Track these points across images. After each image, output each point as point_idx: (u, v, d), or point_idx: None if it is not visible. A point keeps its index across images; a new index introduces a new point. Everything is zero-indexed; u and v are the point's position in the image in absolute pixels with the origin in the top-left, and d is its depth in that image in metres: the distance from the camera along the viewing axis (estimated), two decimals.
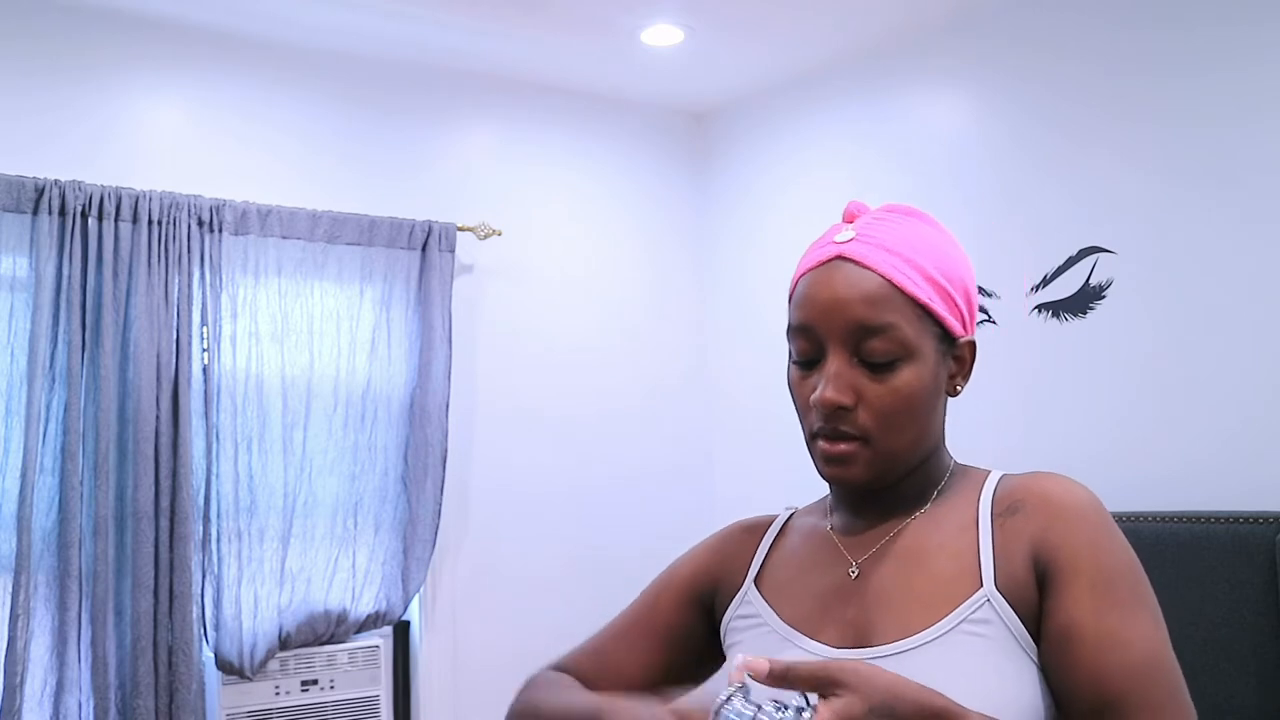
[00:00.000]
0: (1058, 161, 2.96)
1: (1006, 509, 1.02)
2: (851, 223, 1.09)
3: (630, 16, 3.18)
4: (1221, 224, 2.63)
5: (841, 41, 3.39)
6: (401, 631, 3.38)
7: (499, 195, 3.62)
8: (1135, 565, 0.99)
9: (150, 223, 2.92)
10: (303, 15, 3.11)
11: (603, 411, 3.73)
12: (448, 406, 3.32)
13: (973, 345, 1.07)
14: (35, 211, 2.79)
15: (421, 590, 3.34)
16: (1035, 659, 0.96)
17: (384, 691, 3.20)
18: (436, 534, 3.29)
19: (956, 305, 1.05)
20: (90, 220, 2.85)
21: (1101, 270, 2.84)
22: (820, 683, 0.82)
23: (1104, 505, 1.01)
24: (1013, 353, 3.02)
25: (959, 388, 1.07)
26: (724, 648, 1.14)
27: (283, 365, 3.11)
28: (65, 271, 2.80)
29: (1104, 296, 2.84)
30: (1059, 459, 2.86)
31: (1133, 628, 0.94)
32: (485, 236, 3.50)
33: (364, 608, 3.20)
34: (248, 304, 3.07)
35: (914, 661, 0.96)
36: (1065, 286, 2.91)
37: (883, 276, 1.01)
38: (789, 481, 3.38)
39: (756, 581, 1.12)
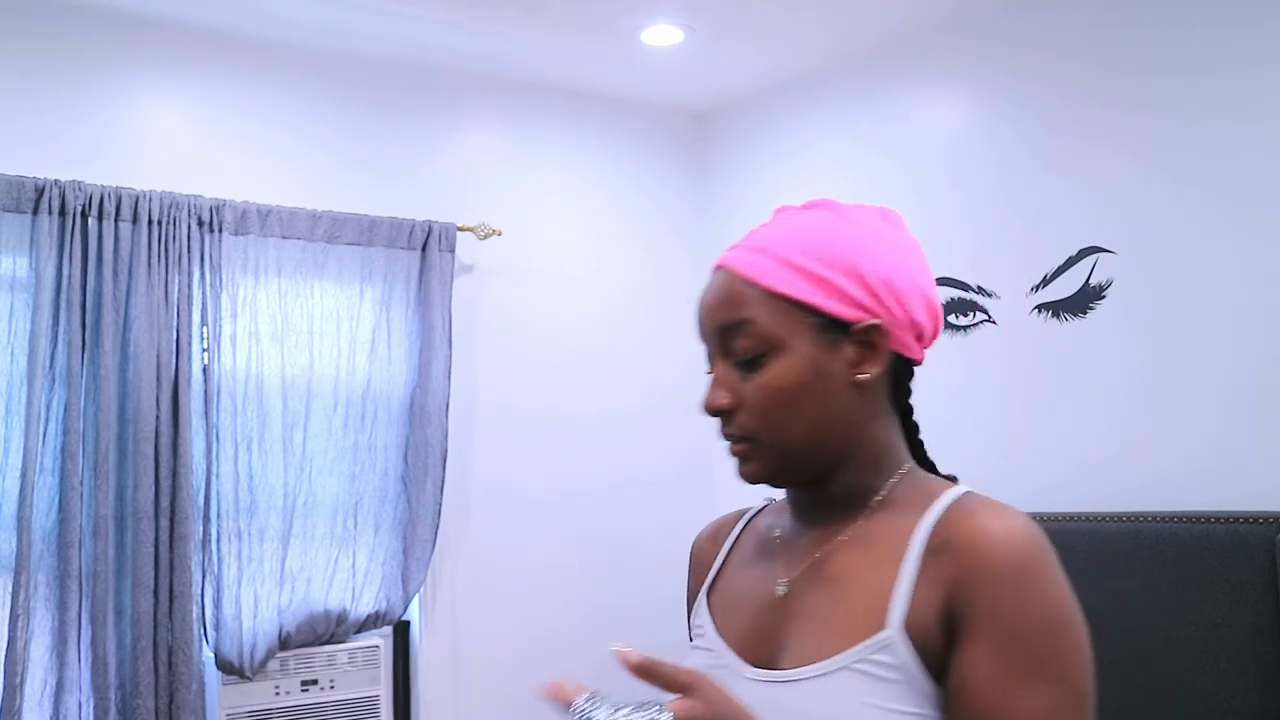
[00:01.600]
0: (1058, 161, 2.96)
1: (937, 545, 0.95)
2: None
3: (630, 16, 3.18)
4: (1222, 224, 2.63)
5: (841, 41, 3.39)
6: (401, 631, 3.38)
7: (499, 195, 3.62)
8: (1059, 629, 0.91)
9: (150, 223, 2.92)
10: (303, 15, 3.11)
11: (602, 411, 3.73)
12: (448, 406, 3.32)
13: (881, 329, 1.01)
14: (35, 211, 2.79)
15: (421, 590, 3.34)
16: (936, 710, 0.91)
17: (384, 691, 3.20)
18: (436, 534, 3.29)
19: (844, 292, 1.00)
20: (90, 220, 2.85)
21: (1101, 270, 2.84)
22: (676, 685, 0.86)
23: (1045, 553, 0.94)
24: (1013, 353, 3.02)
25: (865, 374, 1.02)
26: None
27: (283, 365, 3.11)
28: (65, 271, 2.80)
29: (1104, 296, 2.84)
30: (1059, 459, 2.87)
31: (1029, 703, 0.88)
32: (485, 236, 3.50)
33: (364, 608, 3.20)
34: (248, 304, 3.07)
35: (799, 691, 0.95)
36: (1065, 286, 2.91)
37: (743, 276, 1.02)
38: None
39: (710, 590, 1.14)
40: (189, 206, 2.98)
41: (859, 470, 1.04)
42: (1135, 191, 2.79)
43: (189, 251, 2.97)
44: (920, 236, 1.12)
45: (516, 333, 3.63)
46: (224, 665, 2.96)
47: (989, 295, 3.09)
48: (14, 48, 2.92)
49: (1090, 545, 2.60)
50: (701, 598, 1.14)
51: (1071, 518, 2.67)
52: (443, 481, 3.30)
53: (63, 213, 2.81)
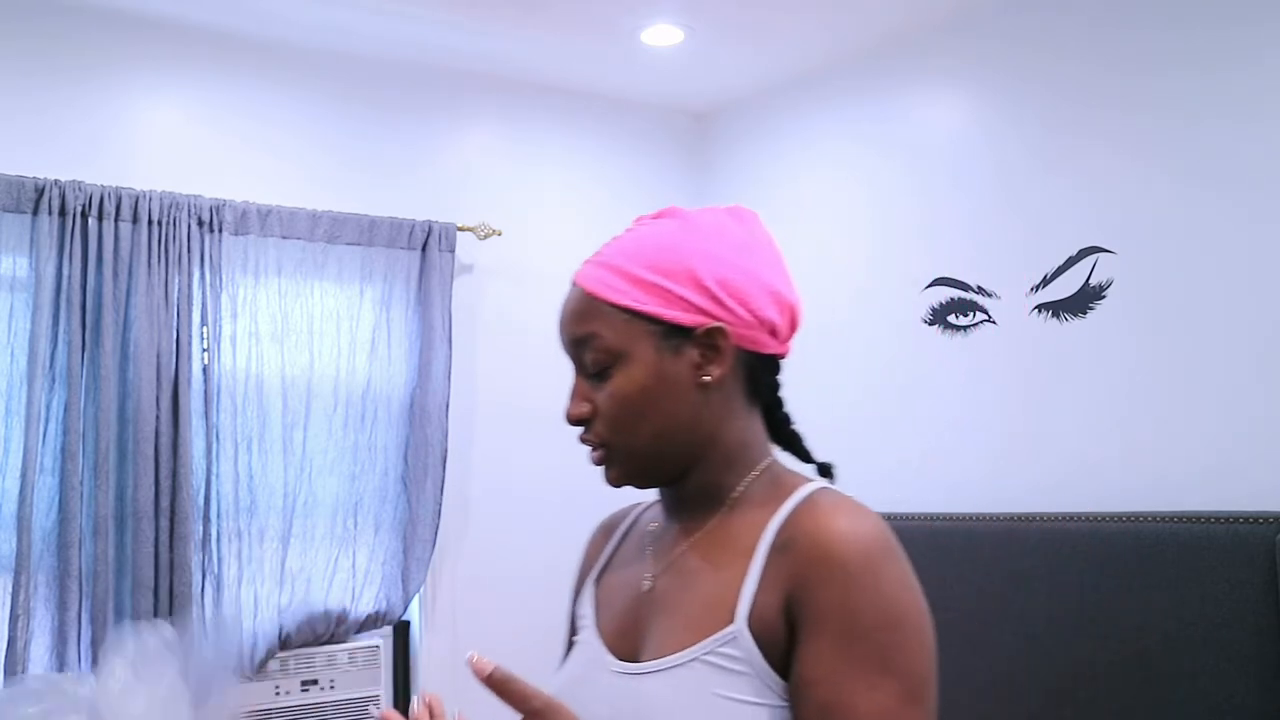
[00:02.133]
0: (1058, 161, 2.96)
1: (783, 542, 0.99)
2: None
3: (630, 16, 3.18)
4: (1222, 223, 2.63)
5: (841, 41, 3.39)
6: (401, 631, 3.38)
7: (499, 195, 3.61)
8: (898, 624, 0.94)
9: (150, 223, 2.92)
10: (303, 15, 3.11)
11: None
12: (448, 406, 3.32)
13: (722, 331, 1.05)
14: (35, 211, 2.79)
15: (421, 590, 3.34)
16: (784, 702, 0.94)
17: (384, 691, 3.20)
18: (436, 534, 3.29)
19: (682, 298, 1.04)
20: (90, 220, 2.85)
21: (1101, 270, 2.84)
22: (526, 709, 0.91)
23: (886, 550, 0.96)
24: (1013, 353, 3.02)
25: (709, 376, 1.05)
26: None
27: (283, 365, 3.11)
28: (65, 271, 2.80)
29: (1104, 296, 2.84)
30: (1059, 459, 2.87)
31: (866, 696, 0.90)
32: (485, 236, 3.50)
33: (364, 608, 3.20)
34: (248, 304, 3.07)
35: (653, 683, 0.99)
36: (1065, 286, 2.91)
37: (587, 291, 1.08)
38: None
39: (597, 581, 1.19)
40: (189, 206, 2.98)
41: (713, 469, 1.08)
42: (1135, 191, 2.79)
43: (189, 251, 2.97)
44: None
45: (516, 333, 3.63)
46: None
47: (989, 295, 3.09)
48: (14, 48, 2.92)
49: (1090, 545, 2.60)
50: (589, 586, 1.18)
51: (1071, 518, 2.67)
52: (443, 481, 3.30)
53: (63, 213, 2.81)
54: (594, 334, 1.06)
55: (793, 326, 1.12)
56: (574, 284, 1.11)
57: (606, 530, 1.25)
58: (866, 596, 0.93)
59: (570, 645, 1.18)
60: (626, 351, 1.05)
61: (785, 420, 1.16)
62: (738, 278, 1.06)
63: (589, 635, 1.12)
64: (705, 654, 0.97)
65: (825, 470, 1.16)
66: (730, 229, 1.10)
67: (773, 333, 1.09)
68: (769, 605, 0.96)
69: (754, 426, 1.12)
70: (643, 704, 1.00)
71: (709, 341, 1.05)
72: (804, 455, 1.17)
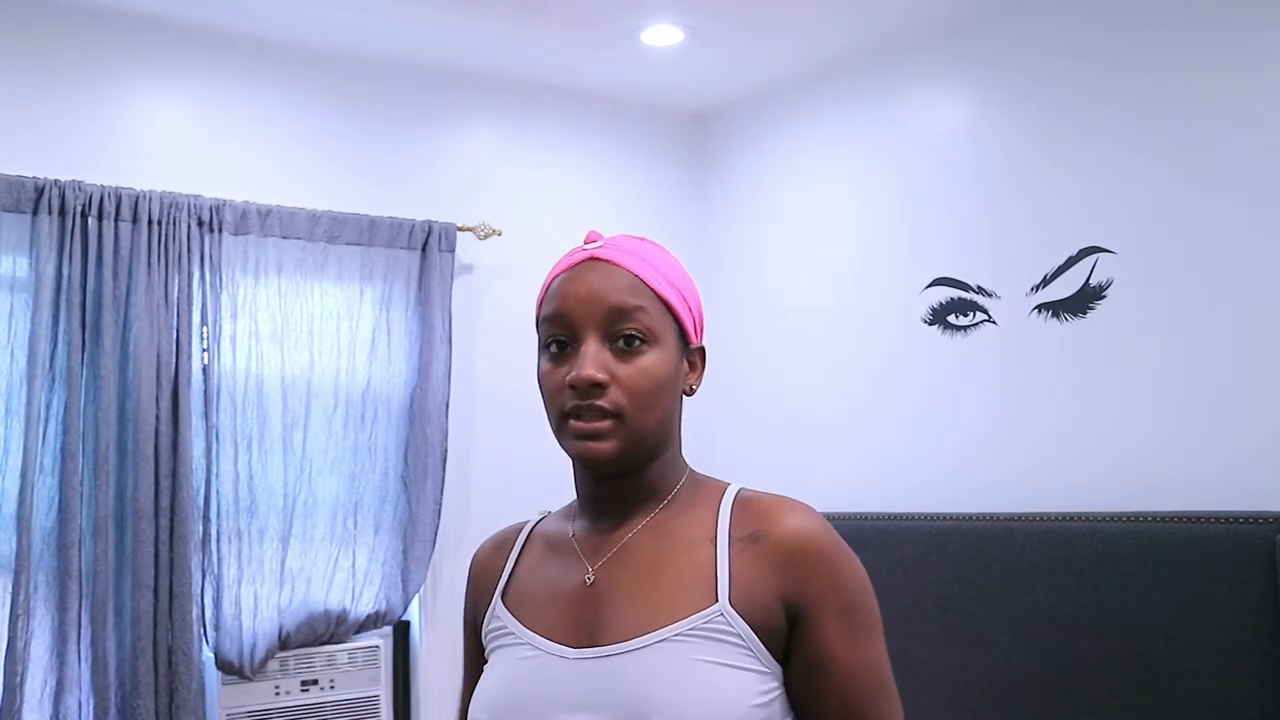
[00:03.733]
0: (1058, 161, 2.96)
1: (748, 536, 1.10)
2: (587, 243, 1.22)
3: (630, 16, 3.19)
4: (1221, 224, 2.63)
5: (842, 42, 3.39)
6: (401, 631, 3.38)
7: (499, 195, 3.62)
8: (866, 586, 1.11)
9: (150, 223, 2.92)
10: (303, 15, 3.11)
11: None
12: (448, 406, 3.33)
13: (703, 353, 1.20)
14: (35, 211, 2.79)
15: (421, 590, 3.34)
16: (769, 671, 1.06)
17: (384, 691, 3.20)
18: (436, 534, 3.29)
19: (691, 312, 1.18)
20: (90, 220, 2.85)
21: (1101, 270, 2.84)
22: None
23: (834, 531, 1.11)
24: (1012, 353, 3.03)
25: (693, 388, 1.18)
26: (485, 657, 1.21)
27: (283, 365, 3.11)
28: (65, 271, 2.80)
29: (1104, 296, 2.84)
30: (1058, 459, 2.87)
31: (872, 650, 1.09)
32: (485, 236, 3.50)
33: (364, 608, 3.20)
34: (248, 304, 3.07)
35: (639, 660, 1.06)
36: (1065, 286, 2.91)
37: (631, 272, 1.14)
38: (790, 480, 3.38)
39: (504, 595, 1.21)
40: (189, 206, 2.98)
41: (663, 467, 1.17)
42: (1135, 192, 2.79)
43: (189, 251, 2.97)
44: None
45: (517, 333, 3.62)
46: (224, 665, 2.96)
47: (989, 295, 3.09)
48: (14, 48, 2.92)
49: (1090, 545, 2.60)
50: (496, 602, 1.21)
51: (1071, 517, 2.68)
52: (443, 481, 3.30)
53: (63, 213, 2.81)
54: (644, 309, 1.12)
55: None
56: (602, 260, 1.15)
57: (496, 550, 1.27)
58: (845, 572, 1.09)
59: (481, 664, 1.21)
60: (661, 337, 1.13)
61: None
62: (702, 315, 1.22)
63: (519, 638, 1.15)
64: (690, 629, 1.05)
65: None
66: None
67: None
68: (754, 590, 1.07)
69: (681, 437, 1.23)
70: (622, 679, 1.05)
71: (694, 358, 1.19)
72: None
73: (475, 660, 1.25)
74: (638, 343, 1.11)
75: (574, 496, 1.23)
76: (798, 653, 1.07)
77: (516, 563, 1.23)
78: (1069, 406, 2.89)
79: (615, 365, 1.10)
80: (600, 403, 1.09)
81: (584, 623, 1.11)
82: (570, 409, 1.11)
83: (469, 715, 1.17)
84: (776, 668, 1.07)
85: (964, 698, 2.73)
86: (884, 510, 3.11)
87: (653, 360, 1.11)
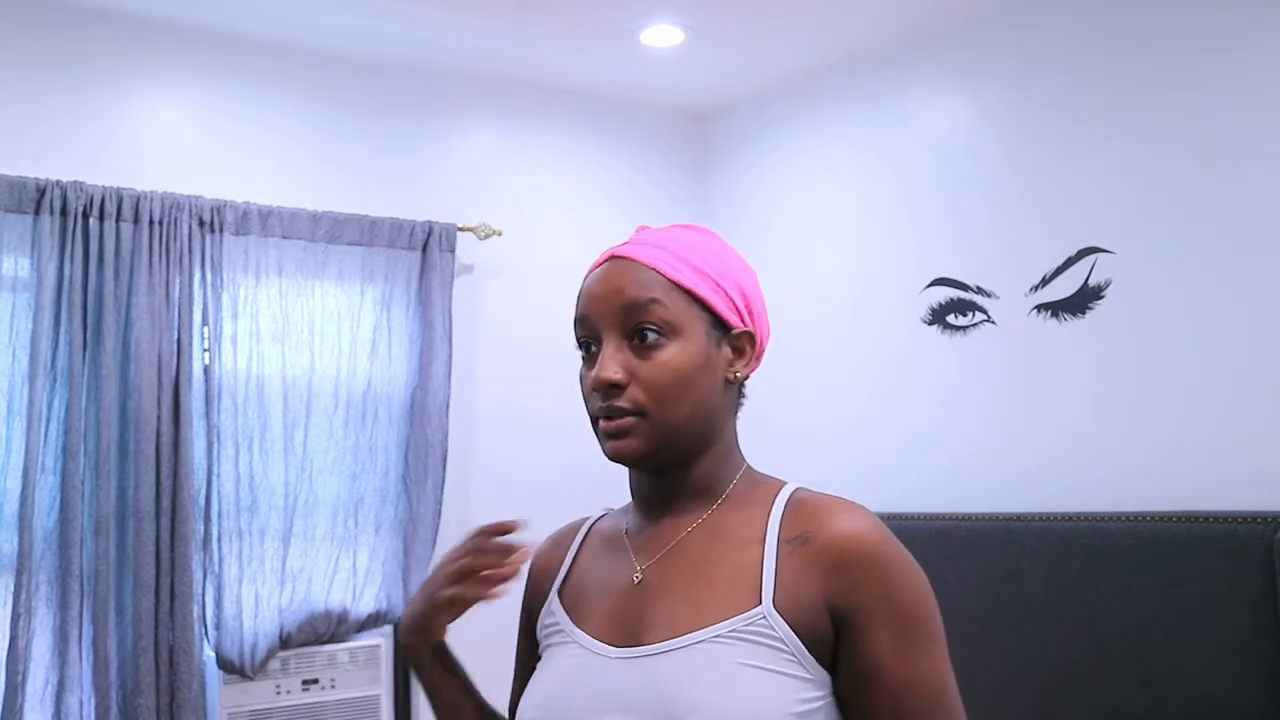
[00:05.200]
0: (1057, 161, 2.96)
1: (796, 537, 1.06)
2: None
3: (630, 16, 3.19)
4: (1221, 223, 2.63)
5: (842, 42, 3.40)
6: None
7: (499, 195, 3.62)
8: (923, 595, 1.06)
9: (151, 223, 2.92)
10: (303, 15, 3.12)
11: None
12: (448, 406, 3.33)
13: (752, 338, 1.15)
14: (37, 212, 2.80)
15: None
16: (813, 679, 1.02)
17: (384, 691, 3.21)
18: (436, 534, 3.29)
19: (729, 297, 1.13)
20: (91, 220, 2.85)
21: (1101, 270, 2.85)
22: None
23: (890, 535, 1.06)
24: (1012, 353, 3.03)
25: (736, 375, 1.14)
26: (539, 654, 1.20)
27: (283, 365, 3.12)
28: (67, 272, 2.81)
29: (1103, 296, 2.84)
30: (1058, 459, 2.88)
31: (926, 663, 1.03)
32: (485, 236, 3.50)
33: (364, 607, 3.20)
34: (249, 304, 3.07)
35: (676, 660, 1.03)
36: (1065, 286, 2.92)
37: (648, 265, 1.11)
38: (790, 480, 3.38)
39: (560, 591, 1.20)
40: (190, 207, 2.98)
41: (713, 462, 1.14)
42: (1135, 191, 2.79)
43: (190, 252, 2.98)
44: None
45: (517, 333, 3.63)
46: (225, 664, 2.97)
47: (988, 295, 3.09)
48: (16, 48, 2.92)
49: (1090, 545, 2.60)
50: (552, 597, 1.20)
51: (1071, 517, 2.68)
52: (443, 481, 3.30)
53: (64, 213, 2.82)
54: (658, 302, 1.09)
55: (760, 359, 1.20)
56: (622, 257, 1.13)
57: (557, 545, 1.26)
58: (899, 580, 1.04)
59: (535, 659, 1.20)
60: (683, 328, 1.10)
61: None
62: (756, 299, 1.17)
63: (569, 636, 1.14)
64: (730, 631, 1.02)
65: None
66: (741, 256, 1.19)
67: (759, 356, 1.18)
68: (801, 594, 1.03)
69: (737, 432, 1.20)
70: (661, 680, 1.02)
71: (740, 343, 1.15)
72: None
73: (527, 657, 1.24)
74: (654, 337, 1.09)
75: (575, 498, 1.26)
76: (845, 662, 1.03)
77: (575, 559, 1.22)
78: (1068, 406, 2.90)
79: (635, 362, 1.09)
80: (620, 403, 1.08)
81: (629, 622, 1.09)
82: (599, 410, 1.10)
83: (518, 714, 1.16)
84: (823, 675, 1.03)
85: (964, 698, 2.74)
86: (883, 510, 3.11)
87: (673, 353, 1.09)
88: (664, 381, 1.08)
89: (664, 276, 1.11)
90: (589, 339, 1.13)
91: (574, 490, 3.71)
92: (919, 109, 3.35)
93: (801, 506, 1.10)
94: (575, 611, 1.15)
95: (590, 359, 1.13)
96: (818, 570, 1.04)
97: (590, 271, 1.17)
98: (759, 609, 1.03)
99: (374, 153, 3.42)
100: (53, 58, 2.96)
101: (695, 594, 1.07)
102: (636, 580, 1.12)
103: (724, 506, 1.13)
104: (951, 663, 1.06)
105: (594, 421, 1.12)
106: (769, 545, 1.07)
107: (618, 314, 1.10)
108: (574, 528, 1.27)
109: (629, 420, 1.08)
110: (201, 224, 3.01)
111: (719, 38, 3.36)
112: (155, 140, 3.10)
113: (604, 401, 1.09)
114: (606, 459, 1.13)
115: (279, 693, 3.04)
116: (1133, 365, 2.77)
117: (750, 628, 1.02)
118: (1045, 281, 2.96)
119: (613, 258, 1.14)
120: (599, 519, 1.27)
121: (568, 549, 1.24)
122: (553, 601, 1.19)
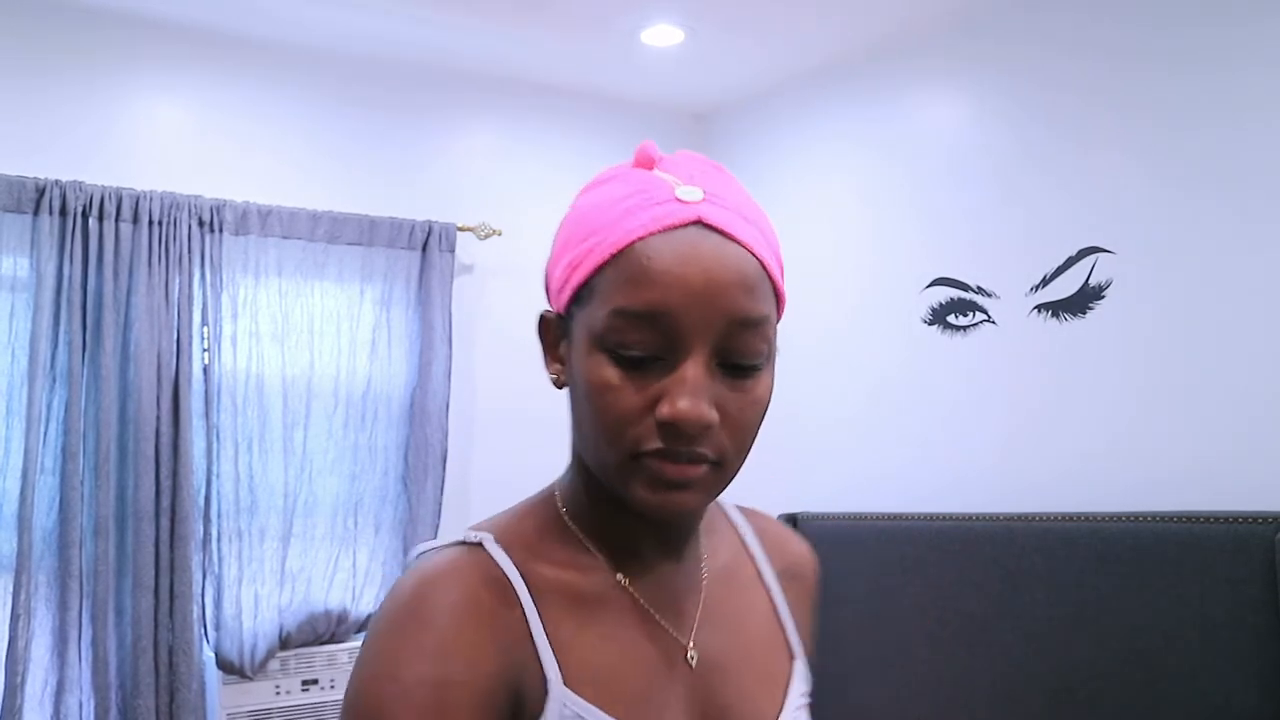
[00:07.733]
0: (1058, 161, 2.96)
1: (786, 570, 0.96)
2: (653, 168, 0.84)
3: (630, 16, 3.19)
4: (1221, 223, 2.63)
5: (842, 41, 3.39)
6: None
7: (499, 195, 3.62)
8: None
9: (151, 223, 2.92)
10: (303, 15, 3.11)
11: None
12: (448, 406, 3.33)
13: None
14: (36, 212, 2.80)
15: None
16: None
17: None
18: (437, 534, 3.29)
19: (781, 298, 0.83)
20: (91, 220, 2.85)
21: (1101, 270, 2.85)
22: None
23: None
24: (1012, 353, 3.02)
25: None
26: None
27: (283, 365, 3.11)
28: (66, 272, 2.81)
29: (1103, 296, 2.84)
30: (1058, 459, 2.88)
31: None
32: (485, 236, 3.50)
33: (364, 607, 3.20)
34: (248, 304, 3.07)
35: None
36: (1065, 286, 2.91)
37: (756, 256, 0.77)
38: (788, 479, 3.38)
39: (563, 676, 0.79)
40: (189, 207, 2.98)
41: None
42: (1135, 192, 2.79)
43: (189, 252, 2.98)
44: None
45: (517, 333, 3.63)
46: (224, 665, 2.96)
47: (989, 295, 3.09)
48: (15, 48, 2.92)
49: (1090, 545, 2.60)
50: (555, 684, 0.78)
51: (1071, 518, 2.68)
52: (443, 481, 3.30)
53: (63, 213, 2.82)
54: (769, 319, 0.78)
55: None
56: (722, 233, 0.76)
57: (501, 599, 0.80)
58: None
59: None
60: (774, 351, 0.80)
61: None
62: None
63: None
64: (799, 707, 0.89)
65: None
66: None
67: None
68: (803, 635, 0.95)
69: None
70: None
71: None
72: None
73: None
74: (758, 370, 0.78)
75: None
76: None
77: (544, 624, 0.80)
78: (1069, 406, 2.89)
79: (724, 394, 0.77)
80: (703, 449, 0.76)
81: (710, 716, 0.85)
82: (657, 449, 0.76)
83: None
84: None
85: (964, 698, 2.74)
86: (883, 510, 3.11)
87: (766, 385, 0.79)
88: (752, 424, 0.79)
89: (770, 277, 0.79)
90: (655, 342, 0.76)
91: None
92: (919, 109, 3.35)
93: (765, 530, 0.98)
94: (615, 707, 0.79)
95: (640, 369, 0.76)
96: (809, 607, 0.98)
97: (649, 230, 0.76)
98: (798, 666, 0.91)
99: (373, 152, 3.42)
100: (52, 57, 2.96)
101: (752, 669, 0.88)
102: (691, 660, 0.85)
103: (708, 542, 0.92)
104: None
105: (632, 457, 0.77)
106: (770, 584, 0.93)
107: (722, 327, 0.75)
108: (487, 572, 0.81)
109: (701, 469, 0.77)
110: (201, 224, 3.01)
111: (719, 37, 3.35)
112: (155, 140, 3.10)
113: (679, 443, 0.75)
114: (635, 507, 0.79)
115: (278, 693, 3.04)
116: (1133, 365, 2.77)
117: (802, 690, 0.90)
118: (1046, 281, 2.96)
119: (698, 222, 0.77)
120: (513, 559, 0.83)
121: (517, 606, 0.80)
122: (559, 692, 0.78)
